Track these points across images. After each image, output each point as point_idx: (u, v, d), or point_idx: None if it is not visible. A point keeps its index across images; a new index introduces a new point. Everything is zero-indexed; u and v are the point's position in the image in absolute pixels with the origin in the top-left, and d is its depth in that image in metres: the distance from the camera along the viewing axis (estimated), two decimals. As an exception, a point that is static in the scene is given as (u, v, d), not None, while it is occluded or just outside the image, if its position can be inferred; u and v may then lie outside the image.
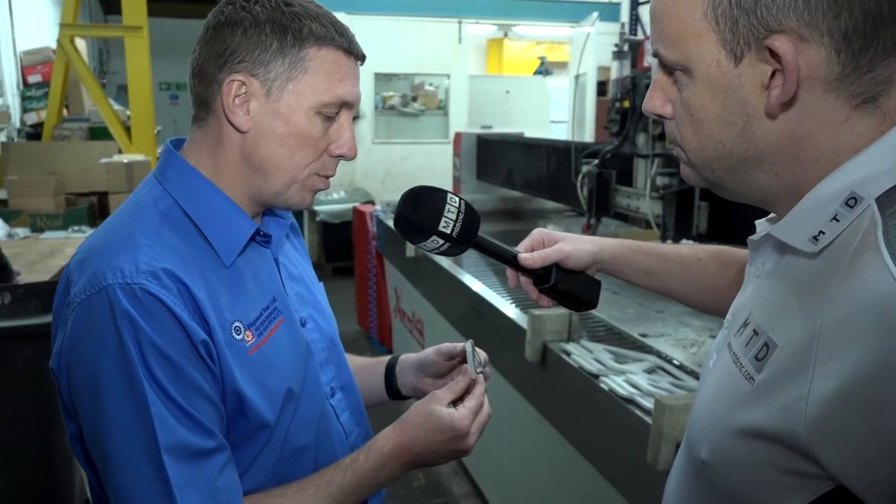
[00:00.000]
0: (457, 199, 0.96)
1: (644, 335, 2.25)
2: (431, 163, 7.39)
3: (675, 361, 1.99)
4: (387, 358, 1.22)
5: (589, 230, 3.29)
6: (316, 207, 6.85)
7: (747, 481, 0.63)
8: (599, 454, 1.79)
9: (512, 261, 1.02)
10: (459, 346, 1.09)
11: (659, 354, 2.05)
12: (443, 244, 0.95)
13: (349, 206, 5.92)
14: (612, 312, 2.47)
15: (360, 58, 0.95)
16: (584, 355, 1.91)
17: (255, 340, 0.90)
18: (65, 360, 0.84)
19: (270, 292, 0.96)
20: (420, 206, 0.94)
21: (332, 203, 6.87)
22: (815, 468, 0.58)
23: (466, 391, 0.99)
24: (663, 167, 2.75)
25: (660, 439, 1.43)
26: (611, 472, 1.72)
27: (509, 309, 2.44)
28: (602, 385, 1.73)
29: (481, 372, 1.03)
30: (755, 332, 0.66)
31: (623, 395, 1.64)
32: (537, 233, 1.05)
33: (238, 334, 0.89)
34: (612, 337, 2.25)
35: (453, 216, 0.94)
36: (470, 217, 0.96)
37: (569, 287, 1.03)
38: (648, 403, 1.58)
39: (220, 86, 0.89)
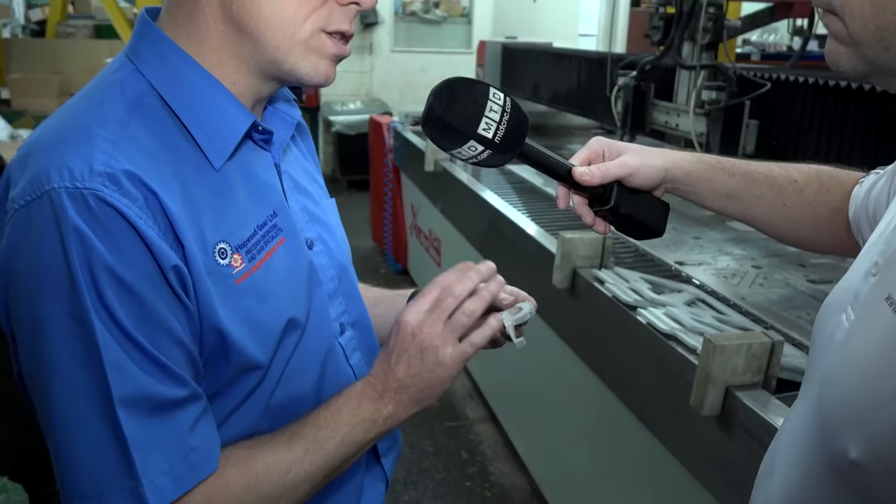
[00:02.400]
0: (501, 95, 0.77)
1: (681, 263, 2.08)
2: (453, 73, 6.91)
3: (719, 294, 1.82)
4: (409, 291, 1.05)
5: (622, 148, 3.08)
6: (331, 118, 6.62)
7: None
8: (633, 392, 1.64)
9: (565, 176, 0.84)
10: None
11: (699, 286, 1.88)
12: (481, 151, 0.76)
13: (365, 117, 5.67)
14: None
15: None
16: (619, 284, 1.74)
17: (246, 266, 0.73)
18: (1, 281, 0.67)
19: (269, 205, 0.78)
20: (455, 102, 0.75)
21: (347, 114, 6.63)
22: None
23: None
24: (710, 80, 2.51)
25: (707, 382, 1.27)
26: (645, 413, 1.58)
27: (535, 230, 2.26)
28: (639, 318, 1.57)
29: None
30: None
31: (664, 331, 1.48)
32: (596, 143, 0.86)
33: (223, 258, 0.71)
34: (646, 264, 2.08)
35: (496, 116, 0.75)
36: (517, 118, 0.77)
37: (632, 210, 0.85)
38: (693, 341, 1.42)
39: None
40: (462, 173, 3.06)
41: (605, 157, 0.85)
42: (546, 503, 2.39)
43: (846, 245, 0.83)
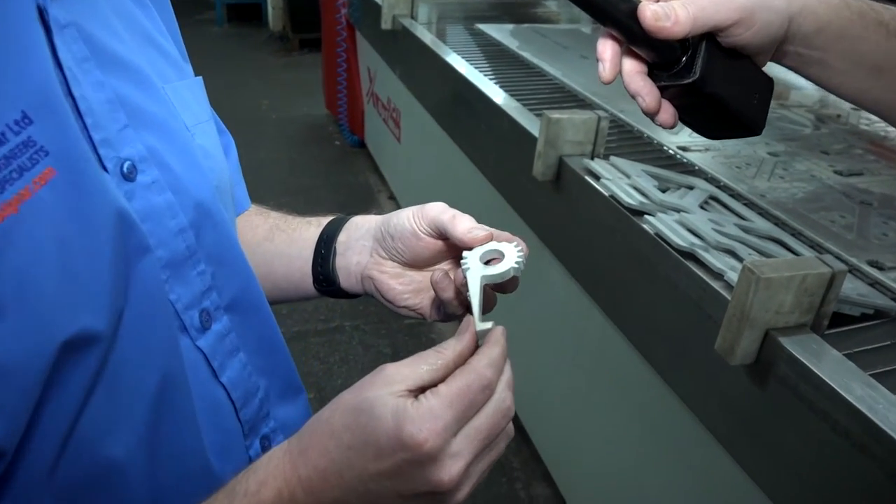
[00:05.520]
0: None
1: (684, 149, 1.73)
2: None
3: (733, 189, 1.50)
4: (325, 220, 0.67)
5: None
6: (279, -34, 5.90)
7: None
8: (634, 321, 1.33)
9: (624, 18, 0.47)
10: (459, 230, 0.55)
11: (709, 179, 1.55)
12: None
13: (316, -35, 5.01)
14: (626, 107, 1.92)
15: None
16: (618, 180, 1.39)
17: None
18: None
19: (15, 100, 0.39)
20: None
21: (297, -39, 5.91)
22: None
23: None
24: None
25: (742, 324, 0.96)
26: (649, 349, 1.28)
27: (513, 106, 1.87)
28: (646, 227, 1.24)
29: (488, 325, 0.48)
30: None
31: (680, 247, 1.16)
32: None
33: None
34: (642, 150, 1.72)
35: None
36: None
37: (723, 89, 0.49)
38: (718, 262, 1.10)
39: None
40: (425, 33, 2.60)
41: None
42: (522, 427, 2.16)
43: None
